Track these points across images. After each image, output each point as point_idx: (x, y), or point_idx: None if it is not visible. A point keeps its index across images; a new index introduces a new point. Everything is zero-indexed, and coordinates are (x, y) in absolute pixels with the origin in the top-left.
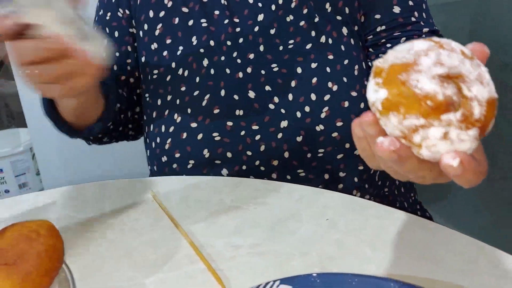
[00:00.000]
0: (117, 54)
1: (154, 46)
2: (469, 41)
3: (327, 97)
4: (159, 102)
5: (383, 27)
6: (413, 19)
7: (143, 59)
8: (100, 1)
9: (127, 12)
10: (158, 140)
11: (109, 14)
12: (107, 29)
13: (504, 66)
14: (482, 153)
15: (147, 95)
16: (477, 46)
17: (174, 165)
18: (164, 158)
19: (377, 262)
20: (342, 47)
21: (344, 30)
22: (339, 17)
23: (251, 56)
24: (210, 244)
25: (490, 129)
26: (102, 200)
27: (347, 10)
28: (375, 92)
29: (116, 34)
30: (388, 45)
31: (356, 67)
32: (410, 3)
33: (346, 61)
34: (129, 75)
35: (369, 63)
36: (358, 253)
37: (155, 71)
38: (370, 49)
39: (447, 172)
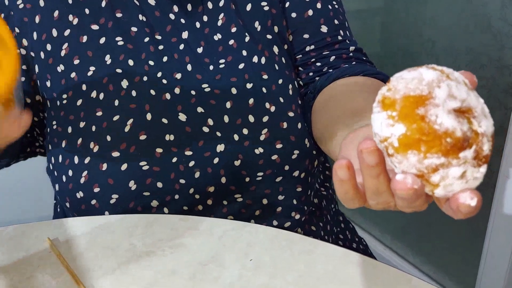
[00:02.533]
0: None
1: (60, 68)
2: (379, 49)
3: (265, 119)
4: (69, 129)
5: (312, 47)
6: (339, 37)
7: (48, 83)
8: None
9: (16, 30)
10: (70, 173)
11: None
12: None
13: None
14: None
15: (54, 122)
16: (468, 75)
17: (93, 201)
18: (80, 194)
19: None
20: (276, 66)
21: (275, 49)
22: (269, 36)
23: (178, 75)
24: None
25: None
26: None
27: (276, 29)
28: (390, 127)
29: None
30: (318, 63)
31: (290, 86)
32: (336, 22)
33: (280, 81)
34: (29, 96)
35: (300, 82)
36: None
37: (64, 96)
38: (300, 68)
39: (459, 209)
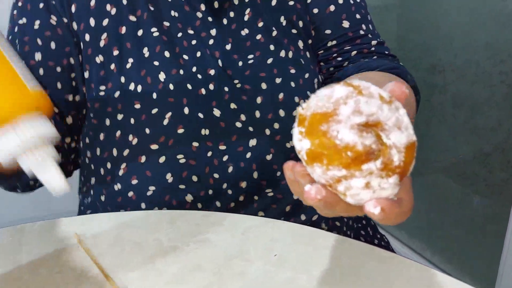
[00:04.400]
0: (59, 69)
1: (99, 58)
2: (396, 45)
3: (295, 113)
4: (107, 122)
5: (334, 42)
6: (361, 32)
7: (86, 74)
8: (17, 8)
9: (65, 20)
10: (108, 165)
11: (37, 22)
12: (38, 40)
13: (431, 68)
14: (407, 192)
15: (91, 114)
16: (396, 86)
17: (130, 193)
18: (118, 186)
19: None
20: (302, 61)
21: (300, 44)
22: (294, 31)
23: (212, 71)
24: None
25: (410, 171)
26: (18, 249)
27: (301, 23)
28: (299, 142)
29: (53, 45)
30: (339, 58)
31: (315, 80)
32: (358, 16)
33: (306, 75)
34: (76, 93)
35: (322, 76)
36: None
37: (102, 87)
38: (322, 63)
39: (370, 217)
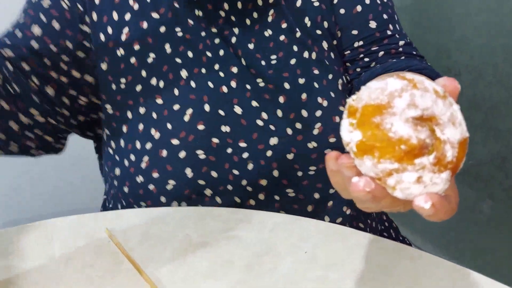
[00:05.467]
0: (53, 48)
1: (120, 52)
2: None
3: (318, 113)
4: (129, 115)
5: (361, 43)
6: (388, 32)
7: (103, 66)
8: None
9: (80, 8)
10: (132, 157)
11: (48, 2)
12: (41, 15)
13: (447, 70)
14: (453, 188)
15: (108, 106)
16: (449, 81)
17: (151, 187)
18: (140, 179)
19: None
20: (326, 62)
21: (325, 45)
22: (318, 32)
23: (234, 69)
24: None
25: (461, 167)
26: (49, 243)
27: (326, 24)
28: (349, 133)
29: (57, 25)
30: (366, 59)
31: (340, 81)
32: (385, 16)
33: (330, 76)
34: (61, 74)
35: (347, 77)
36: None
37: (122, 80)
38: (348, 64)
39: (420, 213)
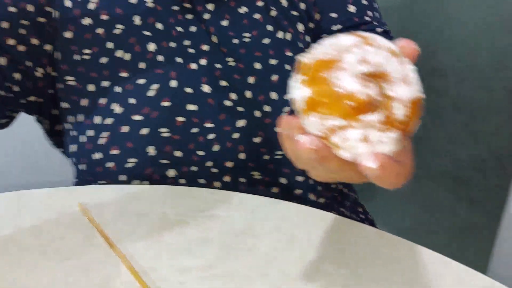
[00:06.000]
0: (13, 9)
1: (86, 21)
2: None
3: (288, 97)
4: (90, 87)
5: (339, 26)
6: (367, 18)
7: (67, 34)
8: None
9: None
10: (90, 133)
11: None
12: None
13: (433, 71)
14: (408, 154)
15: (70, 77)
16: (406, 42)
17: (110, 164)
18: (97, 155)
19: (342, 281)
20: (300, 44)
21: (300, 27)
22: (295, 13)
23: (205, 47)
24: (154, 267)
25: (414, 130)
26: (19, 214)
27: (303, 6)
28: (298, 89)
29: None
30: None
31: None
32: (364, 2)
33: None
34: (19, 41)
35: None
36: (320, 272)
37: (87, 51)
38: None
39: (367, 174)
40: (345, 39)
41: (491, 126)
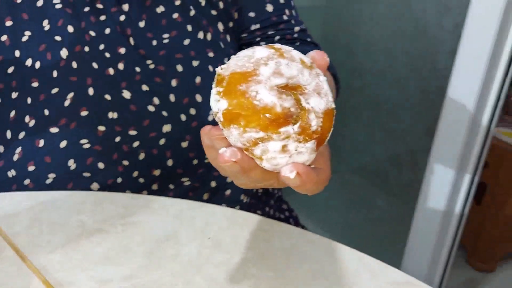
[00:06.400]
0: None
1: None
2: (321, 45)
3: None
4: None
5: (258, 26)
6: (285, 17)
7: None
8: None
9: None
10: (1, 149)
11: None
12: None
13: (352, 71)
14: (325, 160)
15: None
16: (318, 54)
17: (26, 181)
18: (12, 173)
19: (266, 283)
20: (221, 44)
21: (220, 26)
22: (214, 12)
23: (122, 50)
24: (70, 280)
25: (328, 138)
26: None
27: (221, 5)
28: (217, 102)
29: None
30: (262, 43)
31: None
32: (281, 1)
33: (226, 59)
34: None
35: None
36: (246, 275)
37: None
38: (244, 47)
39: (287, 183)
40: (260, 52)
41: (405, 124)
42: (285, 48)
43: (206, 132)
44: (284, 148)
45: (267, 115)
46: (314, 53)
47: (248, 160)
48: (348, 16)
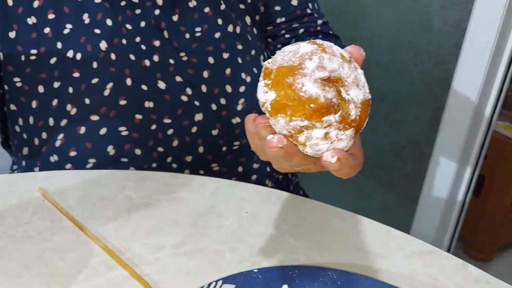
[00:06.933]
0: None
1: (31, 20)
2: None
3: (242, 89)
4: (40, 89)
5: (283, 19)
6: (308, 11)
7: (11, 34)
8: None
9: None
10: (44, 135)
11: None
12: None
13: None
14: (359, 147)
15: (17, 79)
16: (355, 49)
17: (68, 166)
18: (54, 158)
19: (302, 251)
20: (249, 37)
21: (248, 19)
22: (242, 6)
23: (157, 43)
24: (127, 247)
25: (364, 126)
26: None
27: None
28: (265, 94)
29: None
30: (287, 35)
31: (262, 57)
32: None
33: (253, 52)
34: None
35: (268, 53)
36: (283, 244)
37: (33, 51)
38: (270, 39)
39: (328, 167)
40: (305, 47)
41: (410, 116)
42: (327, 43)
43: (251, 120)
44: (326, 135)
45: (312, 105)
46: (351, 48)
47: (292, 146)
48: (352, 9)
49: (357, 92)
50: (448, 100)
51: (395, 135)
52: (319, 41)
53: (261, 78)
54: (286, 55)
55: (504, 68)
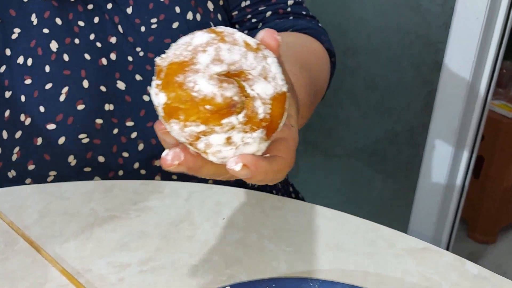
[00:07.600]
0: None
1: None
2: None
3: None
4: None
5: (248, 2)
6: None
7: None
8: None
9: None
10: None
11: None
12: None
13: (345, 51)
14: (287, 147)
15: None
16: (266, 33)
17: (28, 180)
18: (12, 173)
19: (284, 258)
20: (211, 24)
21: (210, 5)
22: None
23: (113, 39)
24: (88, 268)
25: (281, 124)
26: None
27: None
28: (156, 96)
29: None
30: (253, 20)
31: None
32: None
33: None
34: None
35: None
36: (263, 251)
37: None
38: (237, 26)
39: (236, 176)
40: (199, 37)
41: (402, 102)
42: (228, 30)
43: (157, 127)
44: (228, 140)
45: (207, 106)
46: (262, 33)
47: (193, 160)
48: None
49: (265, 85)
50: (440, 82)
51: (388, 123)
52: (219, 28)
53: (153, 78)
54: (178, 48)
55: (496, 45)
